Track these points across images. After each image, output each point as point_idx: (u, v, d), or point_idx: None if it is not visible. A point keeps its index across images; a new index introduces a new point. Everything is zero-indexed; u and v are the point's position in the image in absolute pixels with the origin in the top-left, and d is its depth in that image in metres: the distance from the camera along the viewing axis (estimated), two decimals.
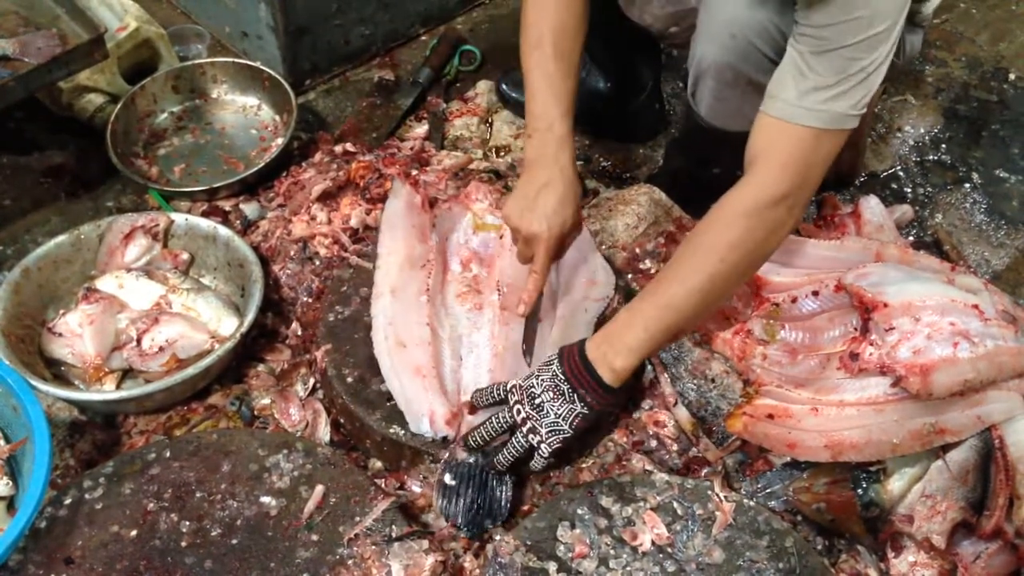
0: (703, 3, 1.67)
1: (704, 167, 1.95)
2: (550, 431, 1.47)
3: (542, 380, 1.48)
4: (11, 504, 1.50)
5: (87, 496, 1.48)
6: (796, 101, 1.40)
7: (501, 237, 1.77)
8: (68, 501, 1.48)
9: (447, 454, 1.54)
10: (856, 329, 1.59)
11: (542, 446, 1.47)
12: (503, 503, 1.52)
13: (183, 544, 1.44)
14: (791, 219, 1.46)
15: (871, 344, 1.53)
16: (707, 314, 1.59)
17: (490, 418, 1.51)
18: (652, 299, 1.47)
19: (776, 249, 1.51)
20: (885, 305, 1.54)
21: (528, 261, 1.62)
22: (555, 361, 1.50)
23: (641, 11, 1.84)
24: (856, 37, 1.36)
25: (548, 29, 1.60)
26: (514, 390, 1.50)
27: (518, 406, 1.48)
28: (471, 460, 1.52)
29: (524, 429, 1.48)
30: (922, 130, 2.32)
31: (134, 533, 1.45)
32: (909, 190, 2.18)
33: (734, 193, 1.46)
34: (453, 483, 1.51)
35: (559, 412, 1.46)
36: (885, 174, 2.22)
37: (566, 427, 1.47)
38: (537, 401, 1.47)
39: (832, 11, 1.35)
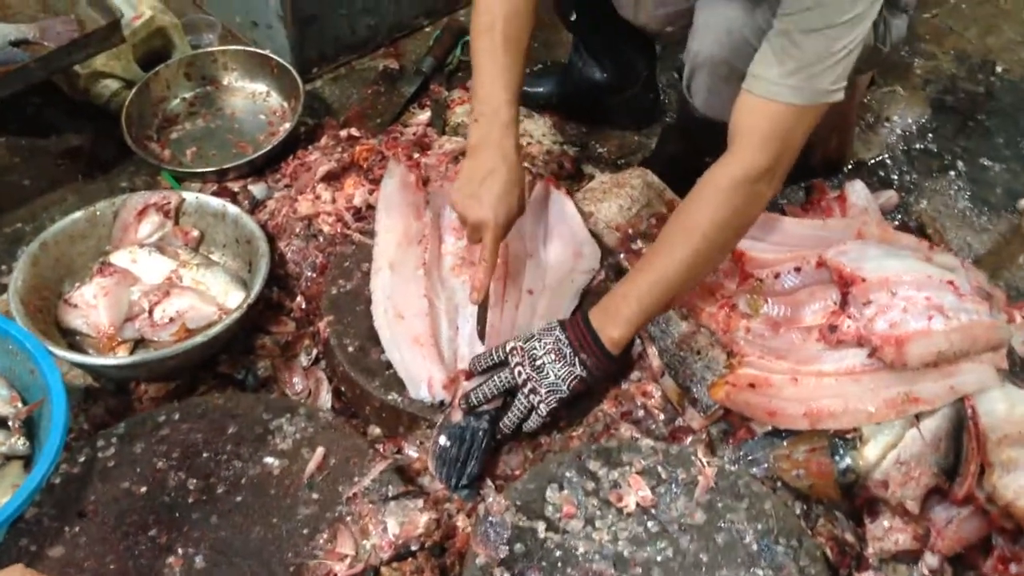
0: (700, 2, 1.71)
1: (697, 155, 1.99)
2: (549, 391, 1.53)
3: (545, 343, 1.55)
4: (27, 463, 1.55)
5: (100, 455, 1.54)
6: (780, 80, 1.44)
7: None
8: (82, 459, 1.54)
9: (442, 417, 1.60)
10: (836, 303, 1.64)
11: (540, 406, 1.54)
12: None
13: (190, 500, 1.49)
14: (770, 191, 1.51)
15: (849, 317, 1.58)
16: (695, 284, 1.65)
17: (492, 377, 1.57)
18: (644, 275, 1.55)
19: (756, 219, 1.56)
20: (863, 280, 1.60)
21: (478, 243, 1.65)
22: (556, 327, 1.57)
23: (636, 12, 1.87)
24: (841, 18, 1.40)
25: (501, 14, 1.62)
26: (514, 352, 1.56)
27: (519, 367, 1.55)
28: (464, 424, 1.57)
29: (525, 390, 1.54)
30: (910, 120, 2.37)
31: (144, 489, 1.50)
32: (896, 177, 2.23)
33: (717, 169, 1.51)
34: (447, 444, 1.57)
35: (559, 374, 1.53)
36: (872, 161, 2.27)
37: (564, 388, 1.53)
38: (538, 363, 1.54)
39: None
